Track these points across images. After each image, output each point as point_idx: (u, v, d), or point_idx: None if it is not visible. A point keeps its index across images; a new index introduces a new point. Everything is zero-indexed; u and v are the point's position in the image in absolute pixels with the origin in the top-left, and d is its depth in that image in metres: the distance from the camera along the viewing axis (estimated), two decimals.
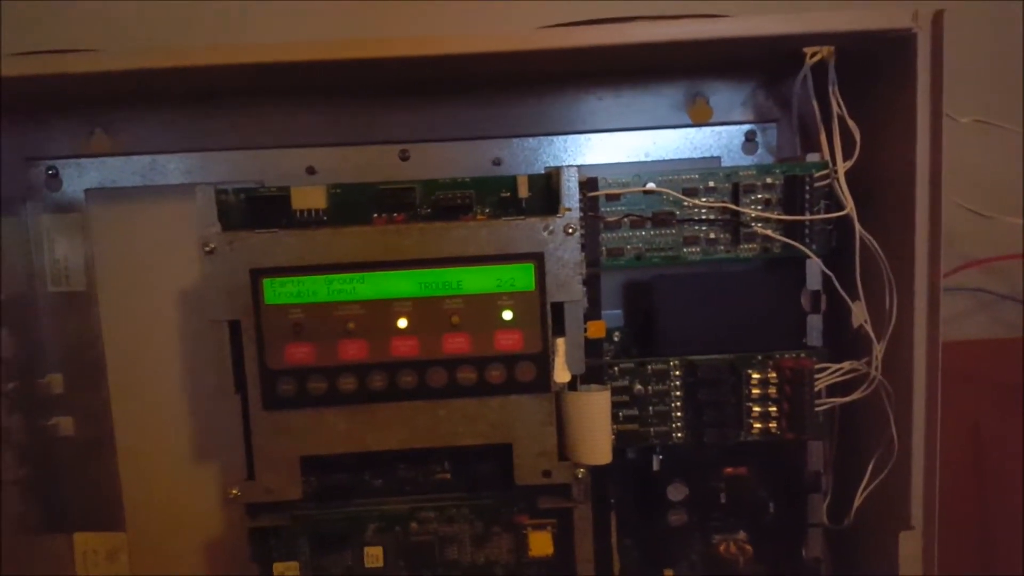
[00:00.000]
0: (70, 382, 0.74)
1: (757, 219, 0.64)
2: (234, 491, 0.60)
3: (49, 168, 0.71)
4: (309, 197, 0.62)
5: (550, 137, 0.72)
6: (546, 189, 0.62)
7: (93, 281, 0.73)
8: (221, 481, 0.75)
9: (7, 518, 0.69)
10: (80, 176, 0.72)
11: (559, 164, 0.70)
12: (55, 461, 0.74)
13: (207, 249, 0.57)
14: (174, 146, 0.71)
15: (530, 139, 0.72)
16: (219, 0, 0.76)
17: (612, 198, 0.64)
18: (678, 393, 0.66)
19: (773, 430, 0.65)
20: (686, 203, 0.64)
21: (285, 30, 0.76)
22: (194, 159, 0.72)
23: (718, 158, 0.73)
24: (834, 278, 0.63)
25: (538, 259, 0.59)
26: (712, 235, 0.65)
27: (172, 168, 0.72)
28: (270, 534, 0.63)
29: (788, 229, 0.64)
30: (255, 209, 0.62)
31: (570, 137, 0.72)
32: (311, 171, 0.72)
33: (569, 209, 0.59)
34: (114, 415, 0.74)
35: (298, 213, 0.62)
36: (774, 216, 0.64)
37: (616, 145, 0.73)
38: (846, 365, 0.63)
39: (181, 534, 0.76)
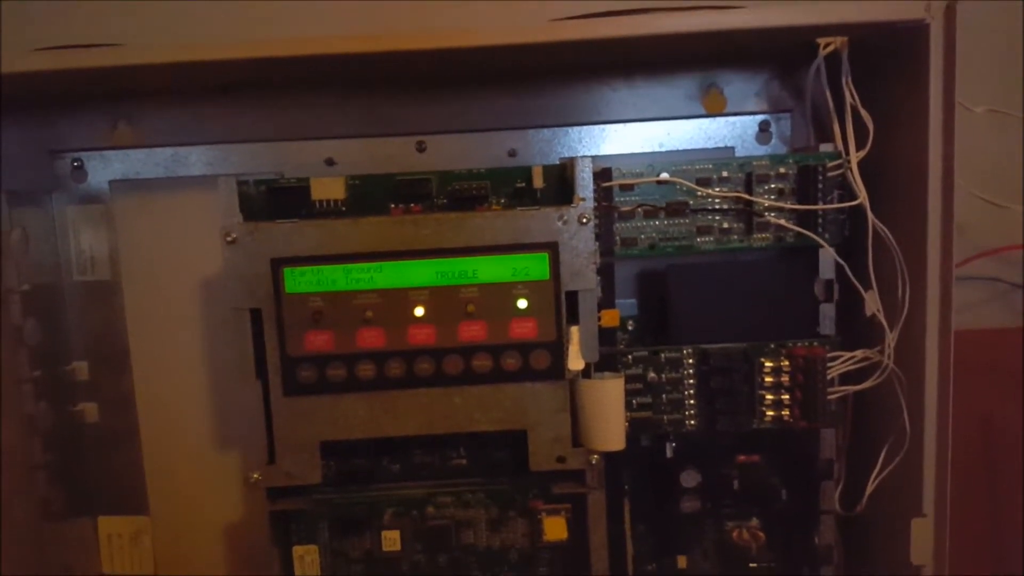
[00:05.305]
0: (95, 369, 0.75)
1: (770, 209, 0.64)
2: (256, 475, 0.61)
3: (74, 160, 0.73)
4: (328, 188, 0.63)
5: (565, 128, 0.73)
6: (560, 179, 0.63)
7: (117, 270, 0.74)
8: (242, 466, 0.76)
9: (34, 502, 0.71)
10: (104, 168, 0.73)
11: (573, 155, 0.71)
12: (80, 447, 0.75)
13: (229, 239, 0.59)
14: (196, 138, 0.72)
15: (545, 130, 0.73)
16: None
17: (626, 188, 0.64)
18: (691, 381, 0.66)
19: (786, 418, 0.65)
20: (700, 193, 0.64)
21: (300, 23, 0.76)
22: (215, 151, 0.73)
23: (732, 148, 0.73)
24: (847, 267, 0.63)
25: (553, 248, 0.59)
26: (725, 225, 0.65)
27: (194, 160, 0.73)
28: (290, 518, 0.64)
29: (801, 218, 0.64)
30: (275, 200, 0.63)
31: (584, 128, 0.73)
32: (330, 162, 0.73)
33: (583, 199, 0.59)
34: (138, 401, 0.76)
35: (317, 204, 0.63)
36: (787, 206, 0.64)
37: (630, 136, 0.73)
38: (859, 353, 0.64)
39: (203, 517, 0.77)
